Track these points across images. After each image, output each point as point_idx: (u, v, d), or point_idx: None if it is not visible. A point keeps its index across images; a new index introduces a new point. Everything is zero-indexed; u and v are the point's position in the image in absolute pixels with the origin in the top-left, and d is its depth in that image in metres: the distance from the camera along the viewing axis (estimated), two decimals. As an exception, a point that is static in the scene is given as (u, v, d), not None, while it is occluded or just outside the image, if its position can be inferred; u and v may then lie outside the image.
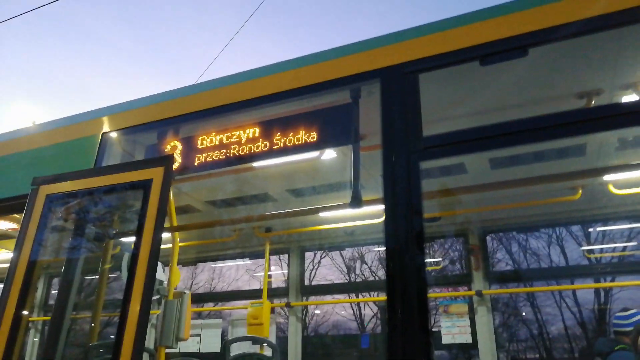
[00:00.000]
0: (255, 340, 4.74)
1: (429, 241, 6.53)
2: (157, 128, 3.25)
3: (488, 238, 5.65)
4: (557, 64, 2.71)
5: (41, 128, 3.74)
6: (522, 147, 3.74)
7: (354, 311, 14.90)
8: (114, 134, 3.35)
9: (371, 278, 12.42)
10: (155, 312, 3.68)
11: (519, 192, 4.67)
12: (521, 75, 2.71)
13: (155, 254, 2.53)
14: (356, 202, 2.63)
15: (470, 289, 5.34)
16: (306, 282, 6.73)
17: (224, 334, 6.75)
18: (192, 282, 13.80)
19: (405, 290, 2.09)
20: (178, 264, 7.82)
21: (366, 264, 12.82)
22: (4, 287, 2.83)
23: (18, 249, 2.89)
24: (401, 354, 1.99)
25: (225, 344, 3.56)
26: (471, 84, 2.83)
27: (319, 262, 13.04)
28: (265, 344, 4.80)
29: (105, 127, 3.36)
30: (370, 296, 8.79)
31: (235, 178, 4.36)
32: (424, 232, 2.19)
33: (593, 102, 2.97)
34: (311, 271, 12.51)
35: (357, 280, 12.71)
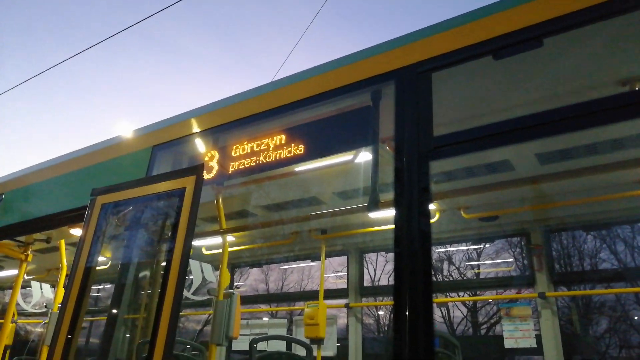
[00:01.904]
0: (287, 340, 4.84)
1: (488, 241, 6.29)
2: (199, 139, 3.48)
3: (552, 237, 5.33)
4: (582, 52, 2.55)
5: (103, 144, 4.13)
6: (573, 140, 3.56)
7: (442, 313, 14.54)
8: (163, 146, 3.63)
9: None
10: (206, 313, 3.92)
11: (581, 188, 4.39)
12: (540, 67, 2.59)
13: (186, 255, 2.72)
14: (373, 204, 2.65)
15: (533, 291, 5.09)
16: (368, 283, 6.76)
17: (289, 333, 6.96)
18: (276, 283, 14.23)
19: (413, 292, 2.08)
20: (244, 266, 8.19)
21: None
22: (65, 289, 3.18)
23: (78, 253, 3.24)
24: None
25: (252, 343, 3.69)
26: (488, 80, 2.75)
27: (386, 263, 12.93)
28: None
29: (155, 140, 3.66)
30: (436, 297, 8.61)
31: (284, 183, 4.52)
32: (431, 232, 2.17)
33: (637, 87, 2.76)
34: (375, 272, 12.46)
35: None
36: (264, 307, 8.68)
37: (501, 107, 2.82)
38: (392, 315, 2.19)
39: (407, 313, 2.05)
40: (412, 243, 2.17)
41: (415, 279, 2.10)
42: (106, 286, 8.53)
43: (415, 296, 2.06)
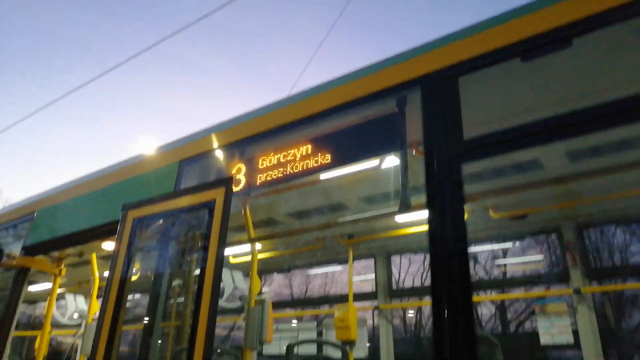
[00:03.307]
0: (323, 343, 4.85)
1: (517, 239, 6.20)
2: (224, 152, 3.52)
3: (585, 233, 5.23)
4: (612, 50, 2.49)
5: (131, 160, 4.20)
6: (602, 137, 3.48)
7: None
8: (189, 161, 3.68)
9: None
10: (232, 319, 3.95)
11: (613, 183, 4.29)
12: (569, 67, 2.55)
13: (220, 264, 2.77)
14: (404, 208, 2.64)
15: (568, 287, 5.00)
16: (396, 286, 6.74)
17: (319, 336, 6.98)
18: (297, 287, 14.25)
19: (451, 293, 2.07)
20: (271, 272, 8.23)
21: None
22: (102, 300, 3.26)
23: (112, 266, 3.30)
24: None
25: (289, 347, 3.72)
26: (516, 82, 2.71)
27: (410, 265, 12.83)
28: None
29: (182, 155, 3.71)
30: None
31: (309, 190, 4.52)
32: (467, 234, 2.16)
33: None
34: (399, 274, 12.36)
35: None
36: (290, 311, 8.73)
37: (531, 108, 2.77)
38: (418, 316, 2.18)
39: (446, 314, 2.05)
40: (446, 244, 2.17)
41: (453, 279, 2.09)
42: (135, 296, 8.66)
43: (454, 296, 2.06)
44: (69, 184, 4.71)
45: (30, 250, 4.60)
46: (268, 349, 7.30)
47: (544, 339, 5.16)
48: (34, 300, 10.11)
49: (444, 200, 2.25)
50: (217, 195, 2.99)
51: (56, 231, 4.44)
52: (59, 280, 5.09)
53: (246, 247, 5.88)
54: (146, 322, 3.37)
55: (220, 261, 2.80)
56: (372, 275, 6.77)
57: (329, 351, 6.01)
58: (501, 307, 12.81)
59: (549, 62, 2.42)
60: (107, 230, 3.89)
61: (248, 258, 5.99)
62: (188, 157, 3.62)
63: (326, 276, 13.97)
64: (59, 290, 5.87)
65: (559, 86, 2.75)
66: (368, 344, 6.66)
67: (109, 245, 4.96)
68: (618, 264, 6.50)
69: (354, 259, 6.16)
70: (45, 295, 8.76)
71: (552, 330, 5.16)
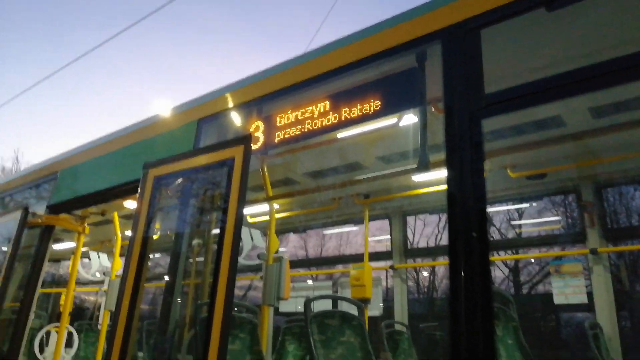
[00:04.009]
0: (339, 299, 4.95)
1: (535, 200, 6.17)
2: (242, 110, 3.52)
3: (604, 193, 5.19)
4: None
5: (151, 120, 4.23)
6: (625, 92, 3.41)
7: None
8: (208, 119, 3.69)
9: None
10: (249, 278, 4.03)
11: (633, 141, 4.22)
12: (595, 17, 2.47)
13: (239, 222, 2.80)
14: (423, 165, 2.64)
15: (584, 248, 5.01)
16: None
17: (334, 294, 7.13)
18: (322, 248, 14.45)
19: (469, 250, 2.08)
20: (289, 232, 8.35)
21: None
22: (125, 258, 3.35)
23: (135, 224, 3.38)
24: (464, 317, 2.00)
25: (306, 302, 3.81)
26: (540, 34, 2.64)
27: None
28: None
29: (201, 114, 3.72)
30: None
31: (326, 149, 4.53)
32: (486, 191, 2.15)
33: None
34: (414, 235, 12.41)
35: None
36: (305, 270, 8.90)
37: (556, 62, 2.71)
38: (431, 278, 2.20)
39: (463, 272, 2.05)
40: (465, 201, 2.16)
41: (471, 237, 2.09)
42: (156, 255, 8.88)
43: (472, 255, 2.06)
44: (90, 144, 4.78)
45: (54, 209, 4.72)
46: (284, 307, 7.49)
47: (558, 299, 5.20)
48: (58, 259, 10.43)
49: (464, 156, 2.23)
50: (236, 153, 3.01)
51: (79, 190, 4.54)
52: (83, 238, 5.23)
53: (264, 207, 5.96)
54: (167, 279, 3.46)
55: (240, 218, 2.84)
56: (386, 237, 6.84)
57: (344, 308, 6.14)
58: (514, 270, 12.89)
59: (576, 12, 2.34)
60: (128, 189, 3.96)
61: (265, 217, 6.08)
62: (206, 115, 3.63)
63: (340, 238, 14.14)
64: (82, 249, 6.05)
65: (585, 38, 2.67)
66: (381, 304, 6.79)
67: (130, 204, 5.06)
68: (636, 225, 6.47)
69: (369, 220, 6.21)
70: (69, 254, 9.04)
71: (566, 290, 5.19)
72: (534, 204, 6.64)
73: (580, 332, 6.48)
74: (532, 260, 11.28)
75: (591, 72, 2.10)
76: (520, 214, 9.79)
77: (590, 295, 4.91)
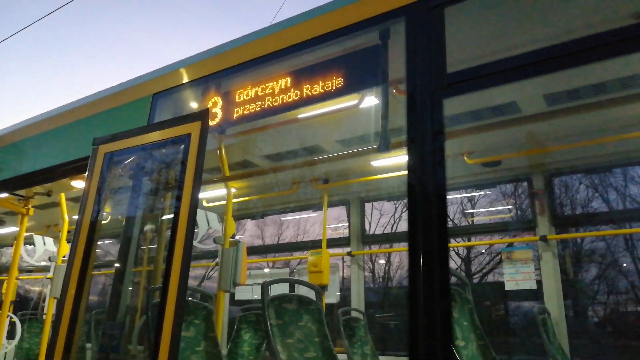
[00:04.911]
0: (297, 283, 4.94)
1: (489, 187, 6.33)
2: (200, 85, 3.39)
3: (553, 181, 5.37)
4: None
5: (102, 93, 4.02)
6: (580, 80, 3.50)
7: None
8: (163, 94, 3.54)
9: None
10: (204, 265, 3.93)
11: (583, 131, 4.37)
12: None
13: (195, 201, 2.70)
14: (384, 145, 2.62)
15: (535, 235, 5.17)
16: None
17: (291, 282, 7.07)
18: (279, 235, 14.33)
19: (427, 234, 2.06)
20: (245, 218, 8.24)
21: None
22: (72, 241, 3.17)
23: (83, 205, 3.20)
24: (422, 299, 1.99)
25: (264, 285, 3.75)
26: (504, 14, 2.66)
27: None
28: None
29: (156, 88, 3.56)
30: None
31: (285, 131, 4.46)
32: (446, 172, 2.14)
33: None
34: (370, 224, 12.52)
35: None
36: (261, 258, 8.84)
37: (518, 43, 2.74)
38: (386, 268, 2.18)
39: (421, 256, 2.04)
40: (426, 183, 2.13)
41: (430, 220, 2.07)
42: (106, 241, 8.56)
43: (430, 239, 2.04)
44: (35, 118, 4.51)
45: (-5, 189, 4.45)
46: (239, 295, 7.38)
47: (509, 285, 5.35)
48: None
49: (425, 136, 2.21)
50: (193, 129, 2.90)
51: (22, 168, 4.28)
52: (27, 221, 4.95)
53: (220, 192, 5.83)
54: (118, 265, 3.31)
55: (196, 196, 2.73)
56: (343, 224, 6.83)
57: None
58: (467, 260, 13.25)
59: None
60: (76, 167, 3.76)
61: (222, 202, 5.96)
62: (162, 90, 3.48)
63: (298, 227, 14.09)
64: (26, 234, 5.74)
65: (548, 19, 2.71)
66: (338, 293, 6.80)
67: (78, 184, 4.82)
68: (583, 213, 6.76)
69: (328, 207, 6.19)
70: (11, 239, 8.58)
71: (516, 277, 5.35)
72: (488, 191, 6.81)
73: (528, 321, 6.73)
74: (483, 250, 11.62)
75: (550, 54, 2.12)
76: (473, 203, 10.05)
77: (539, 282, 5.08)
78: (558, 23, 2.70)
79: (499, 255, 6.93)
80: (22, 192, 4.77)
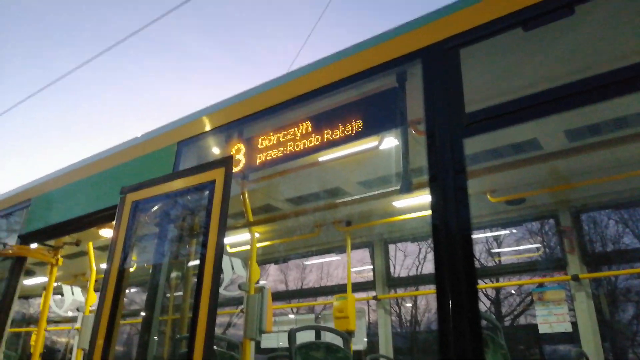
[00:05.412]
0: (324, 330, 4.83)
1: (514, 225, 6.20)
2: (223, 132, 3.49)
3: (582, 218, 5.24)
4: (617, 19, 2.49)
5: (128, 143, 4.16)
6: (600, 115, 3.49)
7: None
8: (188, 142, 3.64)
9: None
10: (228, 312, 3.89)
11: (609, 165, 4.30)
12: (573, 37, 2.54)
13: (221, 247, 2.72)
14: (406, 187, 2.62)
15: (566, 274, 5.01)
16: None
17: (316, 328, 6.94)
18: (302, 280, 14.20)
19: (455, 276, 2.02)
20: (268, 262, 8.21)
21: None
22: (100, 291, 3.19)
23: (111, 253, 3.26)
24: (452, 345, 1.94)
25: (291, 332, 3.69)
26: (518, 53, 2.70)
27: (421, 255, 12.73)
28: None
29: (179, 137, 3.67)
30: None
31: (307, 175, 4.49)
32: (470, 211, 2.12)
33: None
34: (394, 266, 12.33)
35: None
36: (285, 303, 8.72)
37: (534, 81, 2.77)
38: (413, 311, 2.14)
39: (450, 298, 2.00)
40: (451, 223, 2.12)
41: (456, 261, 2.04)
42: (132, 290, 8.60)
43: (459, 280, 2.01)
44: (65, 170, 4.66)
45: (26, 239, 4.55)
46: (265, 343, 7.26)
47: (542, 328, 5.14)
48: (28, 295, 10.02)
49: (447, 176, 2.22)
50: (217, 175, 2.96)
51: (52, 219, 4.40)
52: (56, 271, 5.03)
53: (243, 237, 5.86)
54: (144, 314, 3.31)
55: (221, 242, 2.75)
56: (367, 267, 6.73)
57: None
58: (496, 302, 12.85)
59: (552, 32, 2.41)
60: (104, 216, 3.85)
61: (245, 247, 5.97)
62: (186, 138, 3.58)
63: (321, 271, 13.94)
64: (55, 284, 5.81)
65: (563, 57, 2.74)
66: (365, 339, 6.64)
67: (106, 233, 4.90)
68: (615, 250, 6.54)
69: (351, 249, 6.14)
70: (40, 290, 8.69)
71: (550, 319, 5.14)
72: (514, 230, 6.67)
73: (565, 364, 6.43)
74: (513, 291, 11.27)
75: (570, 90, 2.13)
76: (499, 242, 9.85)
77: (574, 324, 4.87)
78: (570, 61, 2.73)
79: (530, 296, 6.70)
80: (51, 242, 4.87)
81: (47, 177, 4.81)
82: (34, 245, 4.68)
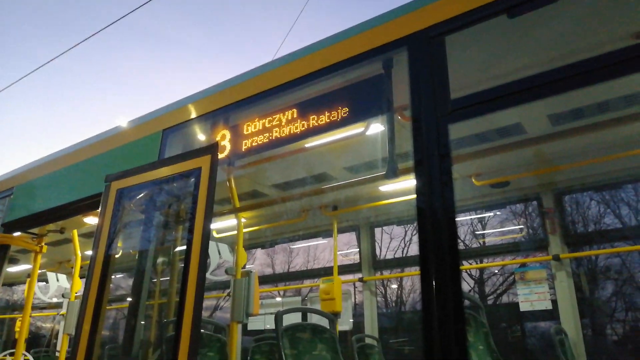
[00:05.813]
0: (310, 312, 4.90)
1: (499, 208, 6.30)
2: (208, 119, 3.46)
3: (563, 199, 5.35)
4: (600, 6, 2.51)
5: (113, 131, 4.11)
6: (584, 99, 3.54)
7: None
8: (173, 129, 3.61)
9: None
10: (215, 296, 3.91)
11: (591, 148, 4.38)
12: (557, 23, 2.56)
13: (207, 233, 2.73)
14: (392, 171, 2.65)
15: (547, 254, 5.13)
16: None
17: (304, 310, 7.02)
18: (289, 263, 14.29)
19: (439, 258, 2.07)
20: (255, 247, 8.24)
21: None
22: (86, 277, 3.20)
23: (96, 241, 3.24)
24: (436, 324, 1.98)
25: (277, 315, 3.74)
26: (503, 40, 2.72)
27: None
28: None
29: (165, 124, 3.64)
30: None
31: (293, 161, 4.50)
32: (454, 194, 2.16)
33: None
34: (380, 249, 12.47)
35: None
36: (273, 287, 8.79)
37: (518, 67, 2.79)
38: (399, 292, 2.19)
39: (434, 279, 2.04)
40: (435, 207, 2.16)
41: (440, 243, 2.09)
42: (118, 275, 8.57)
43: (443, 262, 2.05)
44: (48, 158, 4.60)
45: (9, 227, 4.50)
46: (252, 325, 7.33)
47: (524, 306, 5.28)
48: (12, 283, 9.94)
49: (432, 161, 2.24)
50: (203, 162, 2.95)
51: (36, 207, 4.35)
52: (40, 258, 4.99)
53: (230, 222, 5.86)
54: (131, 299, 3.32)
55: (208, 229, 2.77)
56: (353, 250, 6.80)
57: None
58: (479, 281, 13.09)
59: (537, 18, 2.42)
60: (89, 204, 3.82)
61: (232, 232, 5.98)
62: (171, 125, 3.55)
63: (307, 254, 14.05)
64: (39, 271, 5.77)
65: (547, 44, 2.77)
66: (351, 320, 6.73)
67: (91, 220, 4.87)
68: (596, 230, 6.70)
69: (338, 232, 6.19)
70: (24, 277, 8.62)
71: (531, 297, 5.28)
72: (498, 212, 6.78)
73: (545, 341, 6.61)
74: (496, 270, 11.48)
75: (553, 76, 2.16)
76: (484, 224, 9.99)
77: (554, 302, 5.01)
78: (557, 45, 2.76)
79: (512, 276, 6.85)
80: (35, 230, 4.82)
81: (30, 165, 4.74)
82: (17, 233, 4.63)
